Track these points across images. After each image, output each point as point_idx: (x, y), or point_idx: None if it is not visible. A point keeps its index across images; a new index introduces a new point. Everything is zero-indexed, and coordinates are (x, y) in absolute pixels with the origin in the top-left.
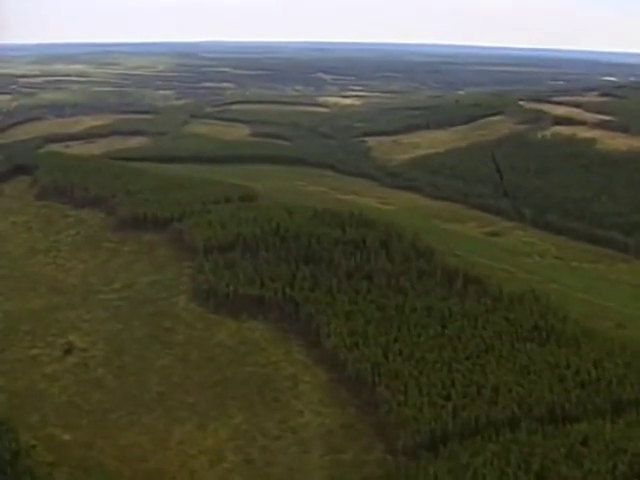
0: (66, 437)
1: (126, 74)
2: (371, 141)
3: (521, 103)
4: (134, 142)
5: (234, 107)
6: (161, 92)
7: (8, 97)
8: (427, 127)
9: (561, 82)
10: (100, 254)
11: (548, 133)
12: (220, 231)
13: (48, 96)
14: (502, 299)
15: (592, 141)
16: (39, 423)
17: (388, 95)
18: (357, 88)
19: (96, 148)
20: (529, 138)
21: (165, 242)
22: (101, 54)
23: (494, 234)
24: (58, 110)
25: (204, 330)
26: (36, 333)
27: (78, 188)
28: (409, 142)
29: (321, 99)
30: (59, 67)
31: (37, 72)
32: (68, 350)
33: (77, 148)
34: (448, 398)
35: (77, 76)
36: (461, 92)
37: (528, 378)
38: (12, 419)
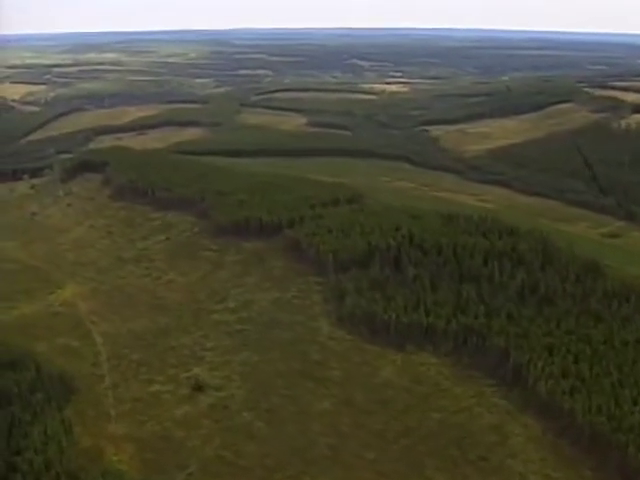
0: None
1: (161, 62)
2: (434, 130)
3: (586, 90)
4: (189, 134)
5: (280, 95)
6: (198, 80)
7: (44, 87)
8: (490, 115)
9: (603, 66)
10: (200, 265)
11: (632, 122)
12: (346, 241)
13: (85, 86)
14: None
15: None
16: None
17: (431, 81)
18: (396, 74)
19: (151, 141)
20: (612, 128)
21: (276, 252)
22: (133, 42)
23: (612, 235)
24: (97, 100)
25: (363, 364)
26: (151, 364)
27: (159, 188)
28: (477, 132)
29: (366, 86)
30: (92, 56)
31: (70, 61)
32: (198, 387)
33: (130, 140)
34: None
35: (111, 65)
36: (504, 77)
37: None
38: None
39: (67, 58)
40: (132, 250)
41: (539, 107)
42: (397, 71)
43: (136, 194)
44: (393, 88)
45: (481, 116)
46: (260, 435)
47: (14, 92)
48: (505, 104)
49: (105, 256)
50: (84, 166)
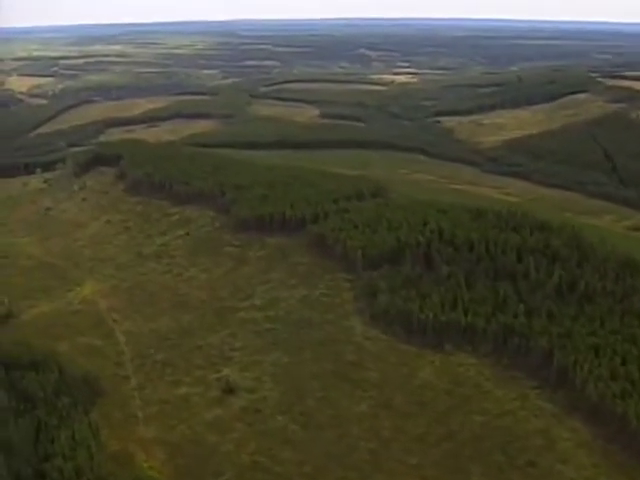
0: None
1: (167, 54)
2: (447, 121)
3: (599, 80)
4: (201, 126)
5: (289, 86)
6: (206, 71)
7: (51, 79)
8: (502, 106)
9: (608, 55)
10: (223, 261)
11: None
12: (373, 237)
13: (93, 78)
14: None
15: None
16: None
17: (440, 72)
18: (404, 64)
19: (163, 133)
20: (630, 119)
21: (300, 247)
22: (138, 34)
23: (636, 229)
24: (105, 92)
25: (400, 365)
26: (177, 364)
27: (176, 182)
28: (491, 123)
29: (375, 77)
30: (98, 48)
31: (76, 54)
32: (228, 389)
33: (142, 133)
34: None
35: (118, 57)
36: (514, 68)
37: None
38: None
39: (73, 50)
40: (151, 246)
41: (552, 97)
42: (405, 61)
43: (152, 188)
44: (402, 79)
45: (493, 107)
46: (296, 440)
47: (21, 85)
48: (518, 95)
49: (124, 252)
50: (97, 160)
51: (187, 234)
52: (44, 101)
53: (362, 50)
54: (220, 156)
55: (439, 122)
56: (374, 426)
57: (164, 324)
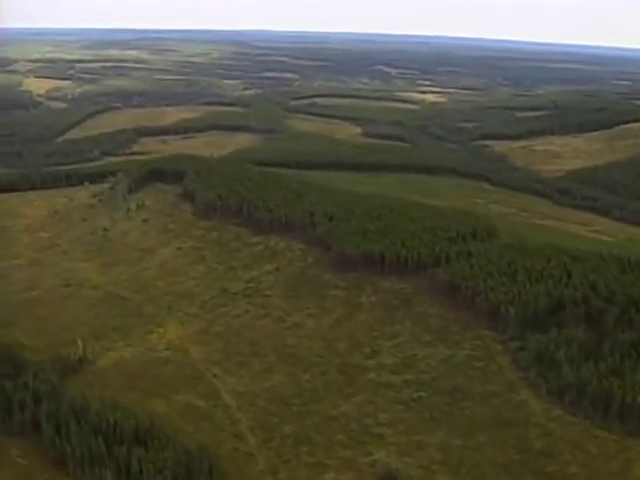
0: None
1: (185, 61)
2: (495, 145)
3: None
4: (243, 140)
5: (320, 101)
6: (226, 81)
7: (69, 83)
8: (552, 132)
9: (627, 82)
10: (329, 305)
11: None
12: (517, 289)
13: (112, 82)
14: None
15: None
16: None
17: (466, 92)
18: (425, 83)
19: (203, 146)
20: None
21: (423, 295)
22: (152, 40)
23: None
24: (126, 98)
25: (605, 457)
26: (312, 440)
27: (256, 207)
28: (544, 150)
29: (404, 94)
30: (113, 52)
31: (91, 57)
32: (389, 479)
33: (178, 144)
34: None
35: (135, 62)
36: (540, 91)
37: None
38: None
39: (87, 54)
40: (237, 281)
41: (603, 125)
42: (425, 79)
43: (226, 212)
44: (430, 97)
45: (542, 132)
46: None
47: (39, 86)
48: (566, 121)
49: (205, 287)
50: (153, 175)
51: (277, 269)
52: (64, 104)
53: (380, 66)
54: (296, 179)
55: (487, 146)
56: None
57: (279, 383)
